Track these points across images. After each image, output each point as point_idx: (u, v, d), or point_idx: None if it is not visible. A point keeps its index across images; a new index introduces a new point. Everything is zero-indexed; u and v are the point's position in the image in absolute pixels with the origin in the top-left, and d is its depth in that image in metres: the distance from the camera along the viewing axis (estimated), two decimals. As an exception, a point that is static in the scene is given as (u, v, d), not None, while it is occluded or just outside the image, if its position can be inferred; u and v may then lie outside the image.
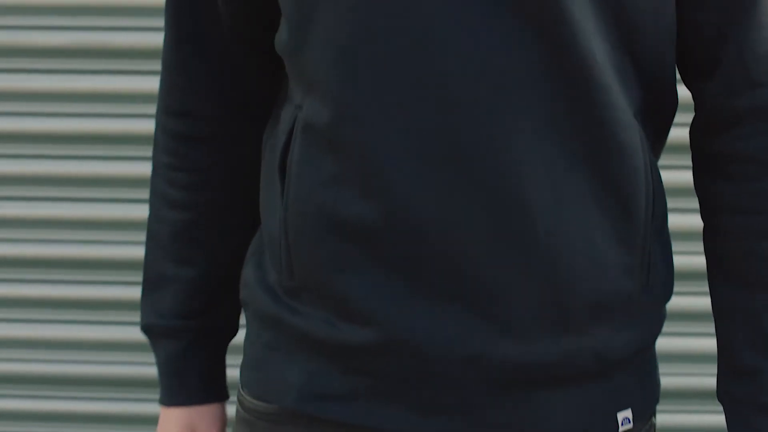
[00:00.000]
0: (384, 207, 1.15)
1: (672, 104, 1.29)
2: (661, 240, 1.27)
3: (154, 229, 1.43)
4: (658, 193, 1.25)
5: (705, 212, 1.29)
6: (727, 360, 1.28)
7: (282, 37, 1.25)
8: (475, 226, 1.14)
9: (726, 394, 1.29)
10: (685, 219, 2.04)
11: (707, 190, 1.28)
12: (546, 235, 1.14)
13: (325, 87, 1.18)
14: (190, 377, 1.43)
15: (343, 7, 1.15)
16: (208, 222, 1.41)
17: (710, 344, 1.66)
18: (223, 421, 1.46)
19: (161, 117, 1.42)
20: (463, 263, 1.15)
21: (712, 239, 1.29)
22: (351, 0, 1.15)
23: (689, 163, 1.32)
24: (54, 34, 2.37)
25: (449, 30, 1.12)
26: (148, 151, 1.57)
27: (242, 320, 1.44)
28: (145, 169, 1.82)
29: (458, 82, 1.12)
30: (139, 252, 2.00)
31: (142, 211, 1.73)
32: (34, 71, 2.37)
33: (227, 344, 1.47)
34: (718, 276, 1.28)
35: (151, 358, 2.26)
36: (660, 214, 1.26)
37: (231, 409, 1.44)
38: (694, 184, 1.30)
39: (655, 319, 1.27)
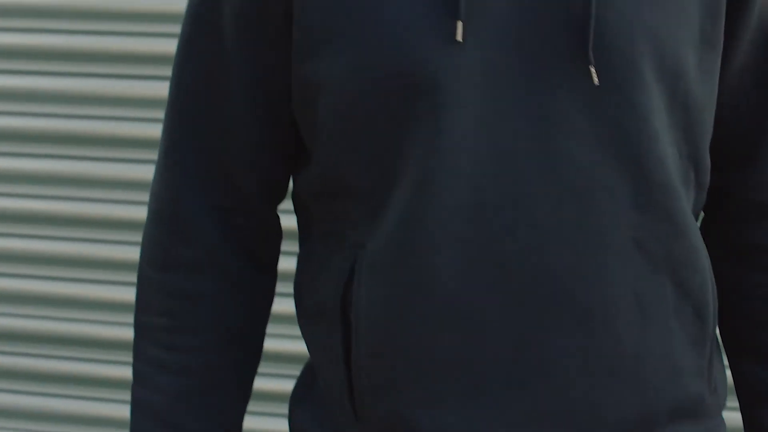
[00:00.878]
0: (475, 339, 1.16)
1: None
2: (716, 339, 1.30)
3: (144, 399, 1.29)
4: (716, 293, 1.28)
5: (734, 297, 1.34)
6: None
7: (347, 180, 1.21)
8: (567, 349, 1.16)
9: None
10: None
11: (739, 278, 1.33)
12: (633, 356, 1.18)
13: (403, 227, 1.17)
14: None
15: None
16: (213, 386, 1.30)
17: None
18: None
19: (149, 272, 1.30)
20: (559, 382, 1.16)
21: (742, 324, 1.34)
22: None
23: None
24: (45, 37, 2.41)
25: (533, 153, 1.14)
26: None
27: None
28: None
29: (544, 206, 1.14)
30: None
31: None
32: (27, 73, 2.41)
33: None
34: (749, 357, 1.34)
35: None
36: (718, 313, 1.33)
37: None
38: (717, 268, 1.34)
39: (721, 423, 1.30)
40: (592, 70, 1.13)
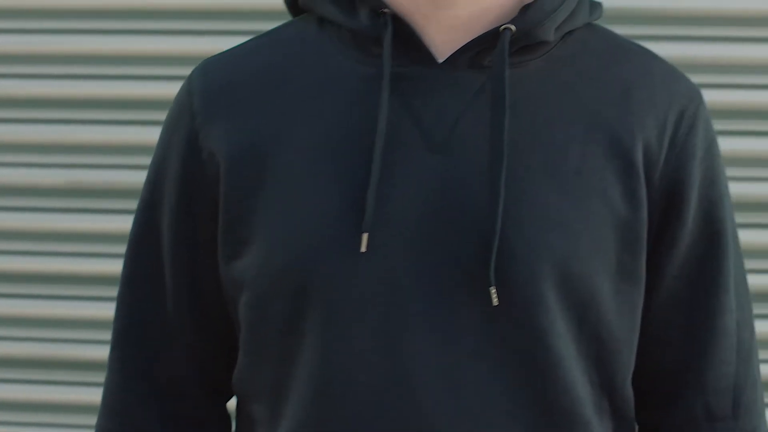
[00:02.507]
0: None
1: None
2: None
3: None
4: None
5: None
6: None
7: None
8: None
9: None
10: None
11: None
12: None
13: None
14: None
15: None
16: None
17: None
18: None
19: None
20: None
21: None
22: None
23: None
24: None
25: (431, 372, 1.16)
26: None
27: None
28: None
29: (442, 426, 1.16)
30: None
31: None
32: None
33: None
34: None
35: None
36: None
37: None
38: None
39: None
40: (492, 291, 1.14)
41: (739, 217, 2.18)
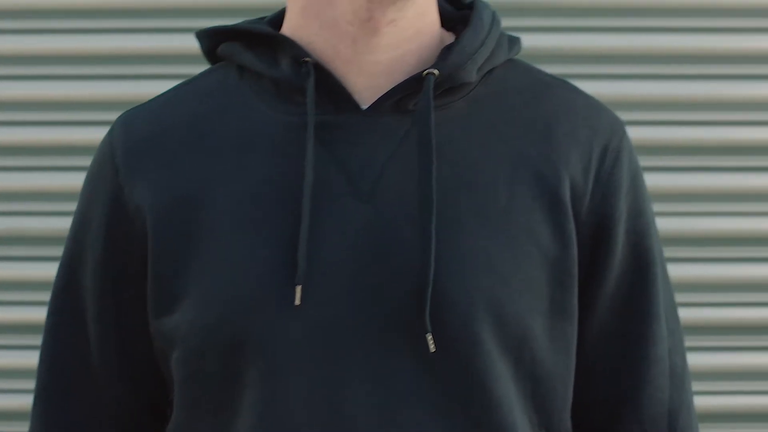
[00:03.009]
0: None
1: None
2: None
3: None
4: None
5: None
6: None
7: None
8: None
9: None
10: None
11: None
12: None
13: None
14: None
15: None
16: None
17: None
18: None
19: None
20: None
21: None
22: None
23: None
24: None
25: (372, 421, 1.15)
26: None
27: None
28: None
29: None
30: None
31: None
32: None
33: None
34: None
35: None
36: None
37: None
38: None
39: None
40: (429, 337, 1.13)
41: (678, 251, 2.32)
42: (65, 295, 1.29)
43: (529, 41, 2.29)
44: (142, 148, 1.23)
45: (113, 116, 1.32)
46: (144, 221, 1.22)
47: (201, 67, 1.32)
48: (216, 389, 1.19)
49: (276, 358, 1.15)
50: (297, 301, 1.13)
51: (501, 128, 1.22)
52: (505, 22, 1.94)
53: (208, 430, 1.21)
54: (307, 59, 1.20)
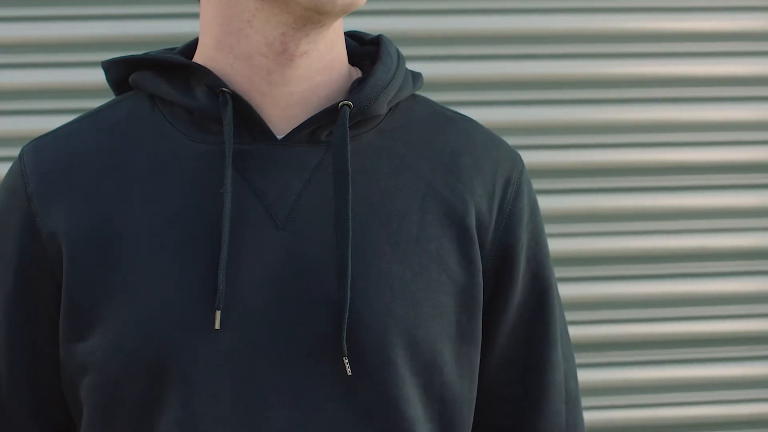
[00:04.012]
0: None
1: None
2: None
3: None
4: None
5: None
6: None
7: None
8: None
9: None
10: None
11: None
12: None
13: None
14: None
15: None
16: None
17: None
18: None
19: None
20: None
21: None
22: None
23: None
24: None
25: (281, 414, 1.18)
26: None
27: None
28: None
29: None
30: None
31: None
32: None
33: None
34: None
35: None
36: None
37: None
38: None
39: None
40: (345, 361, 1.15)
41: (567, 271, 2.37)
42: None
43: (430, 69, 2.37)
44: (55, 175, 1.23)
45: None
46: (59, 247, 1.21)
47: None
48: (133, 415, 1.19)
49: (197, 382, 1.16)
50: (216, 326, 1.15)
51: (409, 159, 1.25)
52: (405, 51, 1.98)
53: None
54: (224, 89, 1.21)
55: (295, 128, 1.22)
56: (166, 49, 1.33)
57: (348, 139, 1.20)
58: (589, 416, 2.48)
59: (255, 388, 1.16)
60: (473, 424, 1.31)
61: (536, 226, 1.31)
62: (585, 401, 2.47)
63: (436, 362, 1.21)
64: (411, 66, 2.32)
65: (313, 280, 1.18)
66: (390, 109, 1.28)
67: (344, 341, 1.15)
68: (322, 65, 1.24)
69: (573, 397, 1.34)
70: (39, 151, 1.25)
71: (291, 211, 1.20)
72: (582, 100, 2.46)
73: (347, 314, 1.15)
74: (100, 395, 1.19)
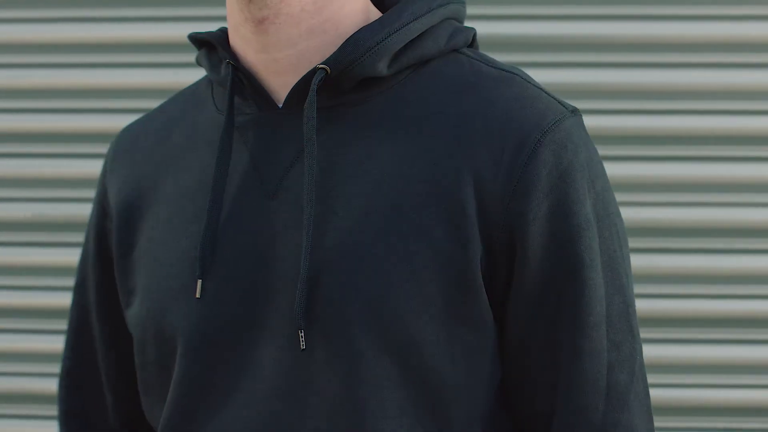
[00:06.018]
0: None
1: None
2: None
3: None
4: None
5: None
6: None
7: None
8: None
9: None
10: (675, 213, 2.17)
11: None
12: None
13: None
14: None
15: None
16: None
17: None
18: None
19: None
20: None
21: None
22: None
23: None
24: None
25: (244, 414, 1.20)
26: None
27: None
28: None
29: None
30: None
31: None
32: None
33: None
34: None
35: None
36: None
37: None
38: None
39: None
40: (301, 334, 1.14)
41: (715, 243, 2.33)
42: (78, 293, 1.41)
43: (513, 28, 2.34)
44: (122, 153, 1.33)
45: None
46: (112, 219, 1.32)
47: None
48: (156, 374, 1.26)
49: (186, 345, 1.21)
50: (197, 294, 1.20)
51: (410, 126, 1.19)
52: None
53: (159, 411, 1.28)
54: (229, 61, 1.23)
55: (287, 95, 1.21)
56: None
57: (314, 105, 1.17)
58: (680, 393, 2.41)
59: (220, 354, 1.19)
60: (511, 406, 1.23)
61: (566, 197, 1.17)
62: (669, 378, 2.40)
63: (413, 341, 1.15)
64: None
65: (284, 252, 1.17)
66: (413, 67, 1.22)
67: (298, 313, 1.14)
68: (304, 29, 1.21)
69: (620, 390, 1.19)
70: (124, 131, 1.36)
71: (281, 181, 1.20)
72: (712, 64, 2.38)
73: (300, 285, 1.14)
74: (137, 357, 1.28)
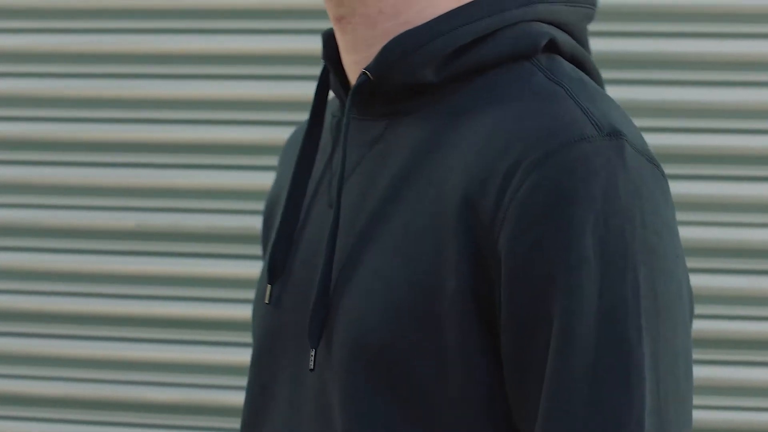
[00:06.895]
0: None
1: None
2: None
3: None
4: None
5: None
6: None
7: None
8: None
9: None
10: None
11: None
12: None
13: None
14: None
15: None
16: None
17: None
18: None
19: None
20: None
21: None
22: None
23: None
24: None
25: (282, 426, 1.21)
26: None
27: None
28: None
29: None
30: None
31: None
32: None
33: None
34: None
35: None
36: None
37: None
38: None
39: None
40: (311, 353, 1.14)
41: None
42: None
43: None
44: (281, 155, 1.35)
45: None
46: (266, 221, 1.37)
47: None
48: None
49: (254, 349, 1.24)
50: (266, 300, 1.21)
51: (444, 143, 1.11)
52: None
53: None
54: (323, 60, 1.20)
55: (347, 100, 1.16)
56: None
57: (349, 116, 1.12)
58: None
59: (269, 363, 1.21)
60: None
61: (558, 231, 1.03)
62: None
63: (396, 361, 1.08)
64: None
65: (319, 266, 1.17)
66: (468, 74, 1.12)
67: (311, 332, 1.13)
68: (380, 32, 1.14)
69: None
70: (292, 134, 1.36)
71: (340, 190, 1.13)
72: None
73: (313, 305, 1.13)
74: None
